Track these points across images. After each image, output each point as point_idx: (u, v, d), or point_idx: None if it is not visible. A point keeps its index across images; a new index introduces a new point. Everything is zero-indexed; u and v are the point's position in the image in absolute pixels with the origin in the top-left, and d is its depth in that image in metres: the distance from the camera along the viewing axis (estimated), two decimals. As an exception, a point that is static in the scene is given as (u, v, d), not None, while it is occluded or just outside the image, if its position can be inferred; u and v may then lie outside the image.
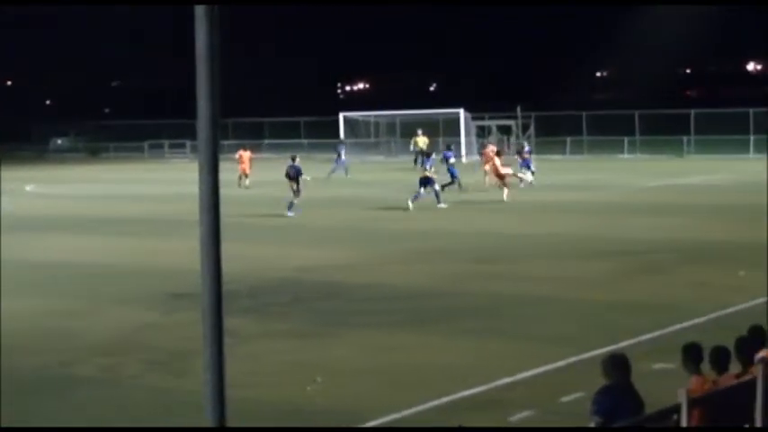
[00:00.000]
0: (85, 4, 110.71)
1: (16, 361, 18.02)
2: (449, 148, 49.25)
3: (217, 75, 6.13)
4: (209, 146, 6.09)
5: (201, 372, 6.03)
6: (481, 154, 50.04)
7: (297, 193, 39.47)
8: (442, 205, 39.74)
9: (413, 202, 39.56)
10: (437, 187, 40.44)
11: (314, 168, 61.10)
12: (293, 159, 40.88)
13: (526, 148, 51.36)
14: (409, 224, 35.86)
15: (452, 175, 46.29)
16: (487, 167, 46.25)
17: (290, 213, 38.84)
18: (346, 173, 58.41)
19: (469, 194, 44.76)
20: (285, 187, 40.20)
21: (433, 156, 43.25)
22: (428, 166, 40.57)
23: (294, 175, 39.82)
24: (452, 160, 47.57)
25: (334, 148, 62.07)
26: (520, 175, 46.35)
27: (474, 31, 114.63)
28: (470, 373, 16.26)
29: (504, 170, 42.90)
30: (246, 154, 53.73)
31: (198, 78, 6.13)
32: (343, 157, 59.61)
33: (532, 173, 48.71)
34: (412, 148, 64.46)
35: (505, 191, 41.95)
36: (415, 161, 62.33)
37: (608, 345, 16.82)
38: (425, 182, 40.04)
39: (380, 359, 17.48)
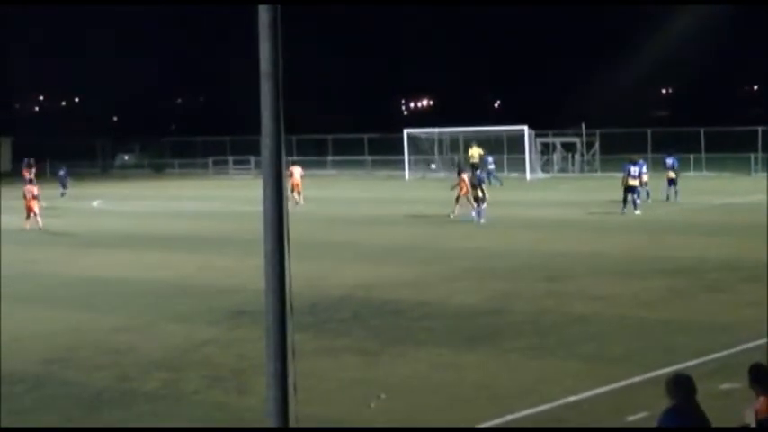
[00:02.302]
0: (154, 22, 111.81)
1: (74, 375, 18.19)
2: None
3: (281, 92, 6.13)
4: (274, 162, 6.10)
5: (265, 388, 6.02)
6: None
7: (483, 200, 40.90)
8: (637, 212, 42.56)
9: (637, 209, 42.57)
10: (637, 200, 43.23)
11: (376, 186, 61.22)
12: (474, 168, 43.12)
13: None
14: (468, 242, 35.69)
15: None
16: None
17: (481, 221, 40.44)
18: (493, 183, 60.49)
19: (531, 211, 44.56)
20: (342, 205, 40.18)
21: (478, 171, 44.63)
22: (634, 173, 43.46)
23: (477, 183, 41.48)
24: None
25: (485, 162, 63.45)
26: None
27: (540, 48, 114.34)
28: (532, 391, 16.15)
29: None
30: (297, 169, 53.06)
31: (262, 96, 6.13)
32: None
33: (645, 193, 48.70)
34: (470, 160, 65.08)
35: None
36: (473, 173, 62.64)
37: (672, 364, 16.64)
38: (631, 189, 43.28)
39: (441, 377, 17.40)
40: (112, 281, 29.19)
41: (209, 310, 24.15)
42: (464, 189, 43.25)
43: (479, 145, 67.29)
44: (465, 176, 44.12)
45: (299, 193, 51.98)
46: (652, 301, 23.65)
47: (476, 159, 64.74)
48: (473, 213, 41.11)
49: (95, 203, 58.62)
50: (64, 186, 64.88)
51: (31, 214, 43.28)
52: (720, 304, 23.13)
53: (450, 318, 22.49)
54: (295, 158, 73.60)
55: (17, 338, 21.42)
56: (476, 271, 28.91)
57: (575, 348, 19.17)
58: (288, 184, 52.05)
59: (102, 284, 28.63)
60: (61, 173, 67.00)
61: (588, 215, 43.12)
